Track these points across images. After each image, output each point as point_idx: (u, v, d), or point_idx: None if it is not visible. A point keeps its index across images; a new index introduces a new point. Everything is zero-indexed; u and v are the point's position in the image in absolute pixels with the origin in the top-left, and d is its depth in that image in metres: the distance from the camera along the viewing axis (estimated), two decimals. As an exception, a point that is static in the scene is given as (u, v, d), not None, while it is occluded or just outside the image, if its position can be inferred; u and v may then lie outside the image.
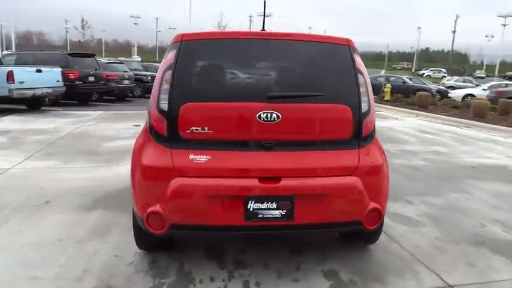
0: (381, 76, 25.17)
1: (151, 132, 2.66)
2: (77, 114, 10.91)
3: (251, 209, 2.51)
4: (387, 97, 17.20)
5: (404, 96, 16.80)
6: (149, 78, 16.52)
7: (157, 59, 54.76)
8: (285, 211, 2.52)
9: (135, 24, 72.09)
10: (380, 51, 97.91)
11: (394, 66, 78.17)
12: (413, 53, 79.05)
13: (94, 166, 5.54)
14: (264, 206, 2.51)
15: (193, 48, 2.64)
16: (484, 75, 52.42)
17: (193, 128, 2.55)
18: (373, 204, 2.61)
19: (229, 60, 2.77)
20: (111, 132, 8.15)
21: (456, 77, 34.42)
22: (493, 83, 23.29)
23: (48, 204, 4.01)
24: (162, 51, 54.71)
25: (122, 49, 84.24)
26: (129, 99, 16.24)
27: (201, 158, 2.54)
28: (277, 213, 2.52)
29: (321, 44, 2.76)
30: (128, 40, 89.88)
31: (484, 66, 66.74)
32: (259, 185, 2.51)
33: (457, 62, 75.94)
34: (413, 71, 62.41)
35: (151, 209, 2.53)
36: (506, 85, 21.15)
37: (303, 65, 2.78)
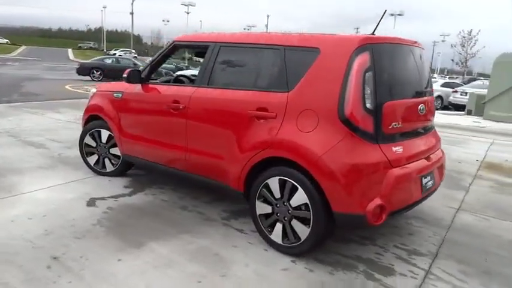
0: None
1: (355, 130, 2.72)
2: None
3: (424, 184, 3.11)
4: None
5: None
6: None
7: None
8: (432, 180, 3.27)
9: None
10: (49, 28, 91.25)
11: (80, 45, 75.18)
12: (88, 31, 78.28)
13: None
14: (427, 179, 3.17)
15: (381, 51, 2.84)
16: None
17: (393, 123, 2.85)
18: None
19: (402, 62, 3.09)
20: None
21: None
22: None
23: None
24: None
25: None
26: None
27: (399, 149, 2.89)
28: (430, 183, 3.23)
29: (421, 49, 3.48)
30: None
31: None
32: (427, 164, 3.14)
33: (134, 43, 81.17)
34: (105, 50, 62.23)
35: (374, 203, 2.70)
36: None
37: (425, 67, 3.43)
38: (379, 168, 2.72)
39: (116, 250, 2.99)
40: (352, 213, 2.71)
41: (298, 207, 2.89)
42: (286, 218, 2.97)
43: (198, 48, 4.25)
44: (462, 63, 39.65)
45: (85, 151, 4.75)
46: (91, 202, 3.88)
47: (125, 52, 56.30)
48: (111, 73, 20.53)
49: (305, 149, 2.79)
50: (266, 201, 3.08)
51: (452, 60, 40.69)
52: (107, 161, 4.65)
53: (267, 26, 78.80)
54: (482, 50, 37.71)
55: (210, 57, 3.54)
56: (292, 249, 2.98)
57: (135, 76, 4.03)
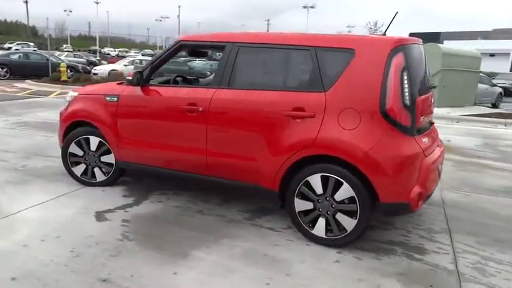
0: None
1: (392, 123, 2.92)
2: None
3: (440, 171, 3.46)
4: (64, 77, 15.99)
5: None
6: None
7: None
8: (441, 167, 3.64)
9: None
10: None
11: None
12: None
13: None
14: (440, 167, 3.51)
15: (410, 51, 3.06)
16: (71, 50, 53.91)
17: (422, 117, 3.12)
18: None
19: (420, 60, 3.30)
20: None
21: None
22: (131, 59, 25.94)
23: None
24: None
25: None
26: None
27: (426, 140, 3.18)
28: (441, 169, 3.59)
29: None
30: None
31: (69, 40, 69.01)
32: (440, 152, 3.48)
33: (30, 35, 74.02)
34: (-2, 44, 55.55)
35: (415, 190, 2.96)
36: (141, 61, 24.33)
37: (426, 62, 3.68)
38: (417, 158, 2.98)
39: (163, 263, 2.86)
40: (398, 202, 2.93)
41: (342, 201, 3.04)
42: (329, 213, 3.10)
43: (209, 48, 4.14)
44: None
45: (70, 161, 4.35)
46: (99, 216, 3.61)
47: (22, 46, 50.95)
48: (19, 70, 18.60)
49: (352, 145, 2.93)
50: (306, 198, 3.17)
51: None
52: (97, 170, 4.32)
53: (179, 16, 77.12)
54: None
55: (228, 58, 3.48)
56: (337, 241, 3.12)
57: (146, 78, 3.82)
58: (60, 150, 4.46)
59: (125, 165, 4.12)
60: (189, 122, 3.58)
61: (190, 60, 20.87)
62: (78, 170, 4.35)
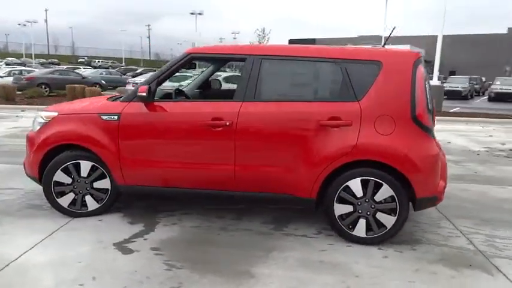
0: None
1: (421, 126, 3.28)
2: None
3: (440, 165, 3.97)
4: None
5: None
6: None
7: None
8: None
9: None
10: None
11: None
12: None
13: None
14: (436, 160, 4.03)
15: (423, 62, 3.44)
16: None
17: (435, 120, 3.55)
18: None
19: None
20: None
21: None
22: (7, 69, 22.71)
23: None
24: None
25: None
26: None
27: (437, 141, 3.62)
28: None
29: None
30: None
31: None
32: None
33: None
34: None
35: (441, 185, 3.39)
36: (21, 72, 21.65)
37: None
38: (439, 156, 3.39)
39: (238, 285, 2.75)
40: (431, 196, 3.31)
41: (381, 201, 3.30)
42: (369, 213, 3.33)
43: (223, 61, 4.00)
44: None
45: (54, 191, 3.80)
46: (122, 248, 3.27)
47: None
48: None
49: (392, 149, 3.21)
50: (345, 202, 3.35)
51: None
52: (88, 198, 3.85)
53: (46, 21, 70.20)
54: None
55: (250, 70, 3.47)
56: (375, 239, 3.37)
57: (153, 93, 3.55)
58: (32, 179, 3.93)
59: (128, 188, 3.77)
60: (215, 137, 3.46)
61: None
62: (65, 200, 3.83)
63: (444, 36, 15.60)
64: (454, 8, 45.63)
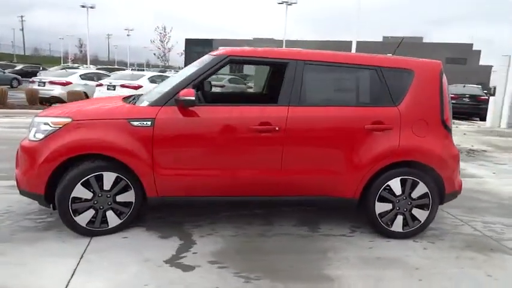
0: None
1: (447, 129, 3.68)
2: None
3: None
4: None
5: None
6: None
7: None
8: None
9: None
10: None
11: None
12: None
13: None
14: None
15: (443, 73, 3.82)
16: None
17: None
18: None
19: None
20: None
21: None
22: None
23: None
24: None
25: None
26: None
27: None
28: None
29: None
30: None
31: None
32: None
33: None
34: None
35: (459, 180, 3.84)
36: None
37: None
38: (459, 155, 3.84)
39: (326, 291, 2.78)
40: (455, 191, 3.74)
41: (417, 198, 3.61)
42: (406, 209, 3.62)
43: (263, 64, 3.84)
44: (161, 57, 43.47)
45: (72, 209, 3.30)
46: (178, 265, 3.03)
47: None
48: None
49: (429, 150, 3.54)
50: (385, 200, 3.59)
51: (154, 54, 43.88)
52: (110, 213, 3.44)
53: None
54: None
55: (293, 75, 3.49)
56: (410, 232, 3.67)
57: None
58: (38, 198, 3.37)
59: (159, 200, 3.47)
60: (261, 142, 3.40)
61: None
62: (84, 218, 3.36)
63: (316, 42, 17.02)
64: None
